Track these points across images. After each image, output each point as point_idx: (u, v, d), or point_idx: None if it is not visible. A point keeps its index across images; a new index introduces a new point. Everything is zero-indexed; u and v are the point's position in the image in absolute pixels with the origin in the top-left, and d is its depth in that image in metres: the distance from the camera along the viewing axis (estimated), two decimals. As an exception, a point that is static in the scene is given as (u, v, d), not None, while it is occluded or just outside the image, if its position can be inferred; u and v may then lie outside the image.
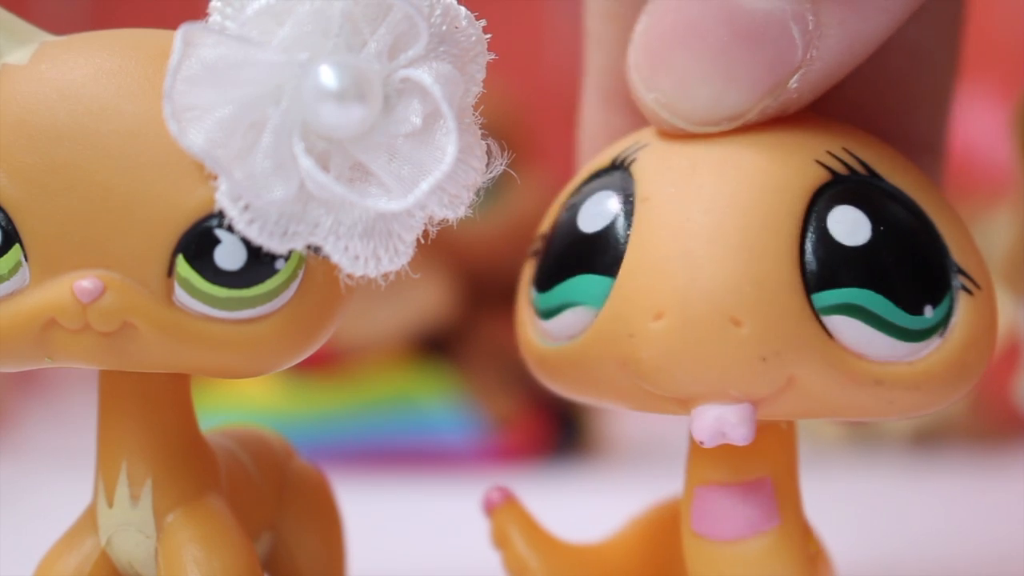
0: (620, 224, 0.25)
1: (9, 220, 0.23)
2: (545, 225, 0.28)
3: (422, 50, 0.23)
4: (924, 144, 0.31)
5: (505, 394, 0.52)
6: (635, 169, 0.26)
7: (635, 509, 0.31)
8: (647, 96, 0.25)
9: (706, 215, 0.24)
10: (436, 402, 0.52)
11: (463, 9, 0.24)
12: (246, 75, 0.23)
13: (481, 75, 0.24)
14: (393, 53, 0.23)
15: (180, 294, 0.23)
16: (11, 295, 0.23)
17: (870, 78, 0.29)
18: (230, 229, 0.23)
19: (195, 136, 0.22)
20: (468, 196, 0.24)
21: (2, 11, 0.24)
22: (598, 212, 0.26)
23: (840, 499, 0.47)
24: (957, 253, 0.25)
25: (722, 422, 0.24)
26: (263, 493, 0.28)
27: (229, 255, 0.23)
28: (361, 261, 0.23)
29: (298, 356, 0.25)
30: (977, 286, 0.25)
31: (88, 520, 0.26)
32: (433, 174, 0.23)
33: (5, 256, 0.23)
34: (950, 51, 0.31)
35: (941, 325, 0.25)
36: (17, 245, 0.23)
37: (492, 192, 0.53)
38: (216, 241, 0.23)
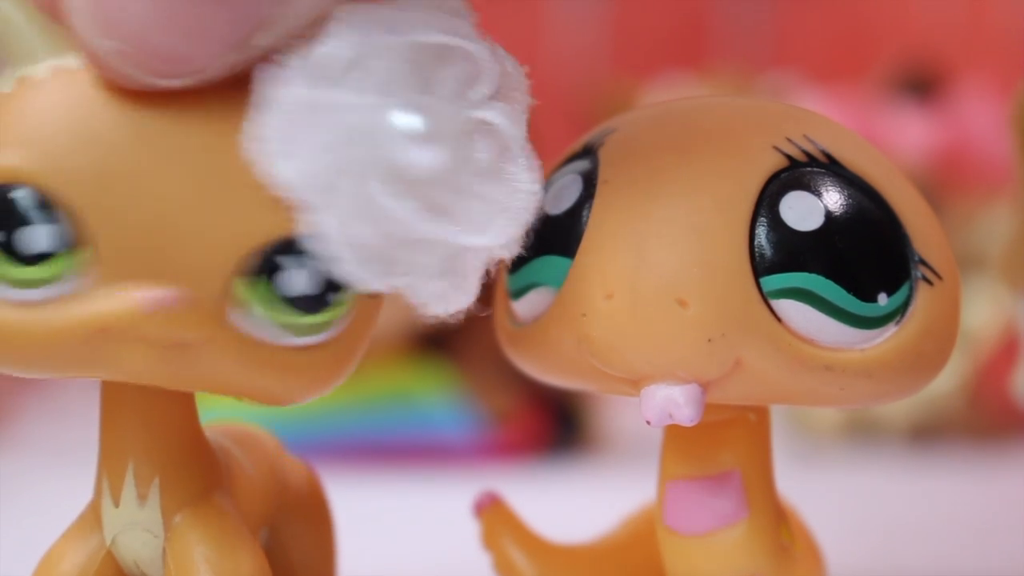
0: (581, 206, 0.26)
1: (75, 222, 0.23)
2: None
3: (487, 90, 0.24)
4: None
5: (503, 390, 0.52)
6: (602, 153, 0.26)
7: (633, 504, 0.31)
8: (102, 44, 0.23)
9: (659, 197, 0.24)
10: (435, 398, 0.52)
11: (509, 55, 0.24)
12: (329, 117, 0.23)
13: (525, 117, 0.25)
14: (460, 94, 0.23)
15: (236, 315, 0.23)
16: (65, 297, 0.23)
17: None
18: (294, 256, 0.23)
19: (287, 169, 0.23)
20: (522, 235, 0.24)
21: (39, 16, 0.24)
22: (563, 195, 0.26)
23: (838, 494, 0.47)
24: (920, 243, 0.25)
25: (669, 402, 0.24)
26: (259, 490, 0.28)
27: (291, 282, 0.23)
28: (436, 300, 0.23)
29: (333, 386, 0.25)
30: (939, 277, 0.25)
31: (91, 518, 0.26)
32: (509, 209, 0.23)
33: (66, 256, 0.23)
34: None
35: (897, 313, 0.25)
36: (80, 248, 0.23)
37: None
38: (278, 267, 0.23)
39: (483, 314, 0.25)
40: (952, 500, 0.47)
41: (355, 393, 0.52)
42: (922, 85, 0.60)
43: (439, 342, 0.53)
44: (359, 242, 0.23)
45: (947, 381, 0.53)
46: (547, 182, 0.27)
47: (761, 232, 0.24)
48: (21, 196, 0.22)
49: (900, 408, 0.53)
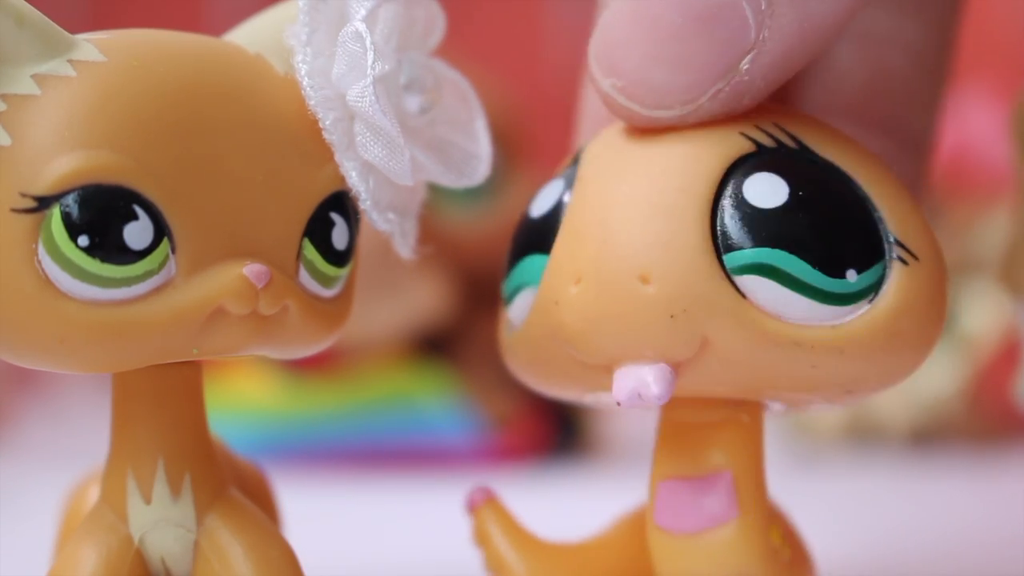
0: (560, 205, 0.26)
1: (160, 213, 0.23)
2: None
3: (438, 38, 0.27)
4: (913, 142, 0.31)
5: (503, 394, 0.52)
6: (583, 156, 0.27)
7: (632, 508, 0.31)
8: (604, 83, 0.25)
9: (623, 183, 0.25)
10: (434, 402, 0.52)
11: None
12: (363, 57, 0.25)
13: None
14: (423, 42, 0.26)
15: (303, 275, 0.25)
16: (159, 289, 0.23)
17: (868, 75, 0.29)
18: (339, 211, 0.25)
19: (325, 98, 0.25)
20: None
21: (38, 14, 0.24)
22: (544, 198, 0.27)
23: (838, 498, 0.47)
24: (895, 224, 0.25)
25: (639, 382, 0.24)
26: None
27: (340, 236, 0.25)
28: (405, 238, 0.26)
29: (336, 337, 0.26)
30: (915, 257, 0.25)
31: (104, 520, 0.25)
32: (481, 157, 0.27)
33: (157, 250, 0.23)
34: (946, 52, 0.31)
35: (870, 291, 0.25)
36: (166, 238, 0.23)
37: (490, 192, 0.53)
38: (332, 223, 0.25)
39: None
40: (952, 504, 0.47)
41: (355, 397, 0.52)
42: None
43: (439, 346, 0.53)
44: (375, 184, 0.25)
45: (947, 385, 0.53)
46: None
47: (724, 211, 0.24)
48: (115, 195, 0.23)
49: (900, 412, 0.53)
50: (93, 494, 0.27)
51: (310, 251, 0.25)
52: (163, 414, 0.25)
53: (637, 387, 0.24)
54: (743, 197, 0.24)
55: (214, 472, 0.26)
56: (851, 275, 0.24)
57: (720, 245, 0.24)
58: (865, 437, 0.55)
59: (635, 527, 0.30)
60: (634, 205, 0.24)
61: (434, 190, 0.28)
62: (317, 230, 0.25)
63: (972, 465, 0.52)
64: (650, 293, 0.24)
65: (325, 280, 0.25)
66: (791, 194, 0.24)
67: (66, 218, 0.23)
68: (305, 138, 0.25)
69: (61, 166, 0.23)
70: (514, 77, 0.63)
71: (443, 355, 0.53)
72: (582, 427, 0.54)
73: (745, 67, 0.24)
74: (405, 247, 0.27)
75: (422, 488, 0.49)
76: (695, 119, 0.25)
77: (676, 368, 0.24)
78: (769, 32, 0.24)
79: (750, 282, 0.24)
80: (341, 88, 0.25)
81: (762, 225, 0.24)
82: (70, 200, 0.23)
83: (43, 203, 0.23)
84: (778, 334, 0.24)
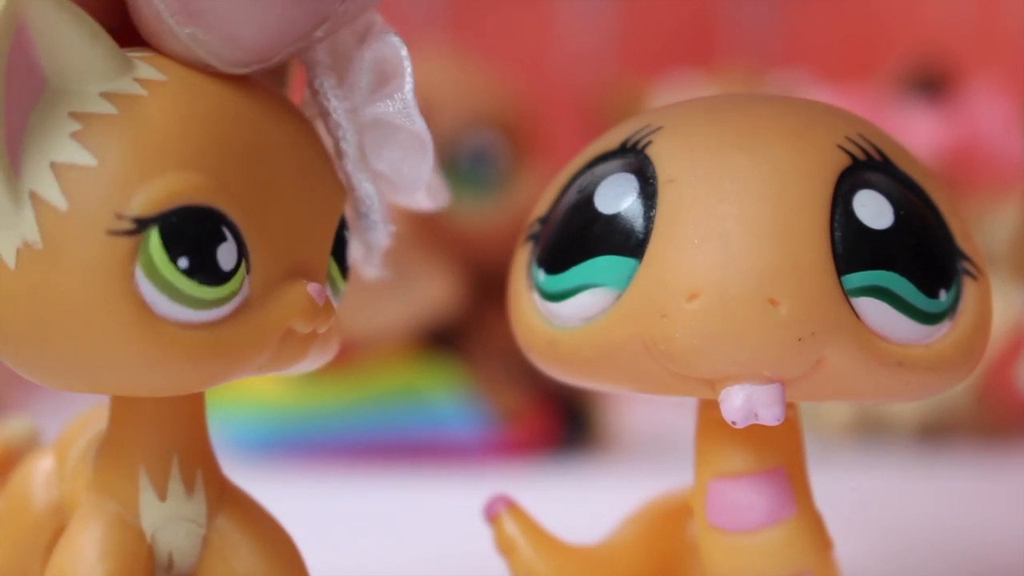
0: (642, 205, 0.25)
1: (240, 234, 0.23)
2: (543, 208, 0.28)
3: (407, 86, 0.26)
4: None
5: (512, 388, 0.52)
6: (653, 152, 0.26)
7: (643, 502, 0.31)
8: (182, 32, 0.24)
9: (740, 195, 0.24)
10: (443, 396, 0.52)
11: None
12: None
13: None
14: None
15: (328, 292, 0.25)
16: (239, 309, 0.23)
17: None
18: (346, 228, 0.25)
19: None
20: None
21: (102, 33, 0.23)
22: (617, 193, 0.26)
23: (846, 492, 0.47)
24: (960, 239, 0.26)
25: (753, 402, 0.24)
26: None
27: (349, 253, 0.26)
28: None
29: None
30: (980, 271, 0.26)
31: (116, 516, 0.25)
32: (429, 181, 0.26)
33: (240, 270, 0.23)
34: None
35: (952, 309, 0.25)
36: (243, 259, 0.23)
37: (499, 186, 0.53)
38: (346, 241, 0.25)
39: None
40: (960, 498, 0.47)
41: (364, 391, 0.52)
42: (932, 83, 0.60)
43: (447, 340, 0.53)
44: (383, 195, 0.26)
45: (956, 380, 0.53)
46: (583, 179, 0.27)
47: (840, 231, 0.24)
48: (208, 217, 0.23)
49: (908, 407, 0.53)
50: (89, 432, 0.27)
51: (334, 269, 0.25)
52: (176, 412, 0.25)
53: (752, 407, 0.24)
54: (855, 217, 0.25)
55: (218, 467, 0.26)
56: (942, 294, 0.25)
57: (839, 265, 0.24)
58: (873, 432, 0.54)
59: (654, 523, 0.30)
60: (756, 222, 0.24)
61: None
62: (338, 248, 0.25)
63: (980, 460, 0.52)
64: (780, 316, 0.24)
65: (339, 294, 0.26)
66: (896, 215, 0.25)
67: (165, 240, 0.22)
68: (326, 156, 0.25)
69: (156, 187, 0.22)
70: (523, 70, 0.63)
71: (452, 349, 0.53)
72: (590, 421, 0.54)
73: (320, 34, 0.24)
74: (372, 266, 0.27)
75: (431, 482, 0.49)
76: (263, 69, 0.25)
77: (784, 385, 0.25)
78: (353, 3, 0.24)
79: (865, 303, 0.24)
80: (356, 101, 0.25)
81: (876, 247, 0.24)
82: (168, 221, 0.22)
83: (141, 225, 0.22)
84: (887, 355, 0.25)
